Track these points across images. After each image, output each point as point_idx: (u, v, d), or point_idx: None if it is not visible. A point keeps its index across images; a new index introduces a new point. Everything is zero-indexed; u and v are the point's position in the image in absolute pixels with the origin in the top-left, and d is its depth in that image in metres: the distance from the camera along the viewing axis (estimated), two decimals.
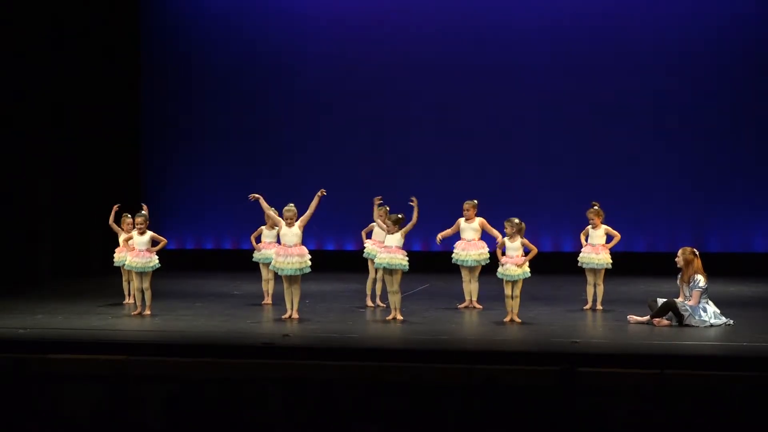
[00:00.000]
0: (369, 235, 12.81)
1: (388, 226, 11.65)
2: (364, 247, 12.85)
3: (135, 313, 12.02)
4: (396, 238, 11.54)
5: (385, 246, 11.58)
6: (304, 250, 11.70)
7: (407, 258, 11.53)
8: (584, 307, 12.39)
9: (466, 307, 12.50)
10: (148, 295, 12.00)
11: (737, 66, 16.57)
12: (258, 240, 12.93)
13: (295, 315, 11.69)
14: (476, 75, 17.11)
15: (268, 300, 12.96)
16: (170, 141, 17.86)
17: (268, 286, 12.95)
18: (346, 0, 17.58)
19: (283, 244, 11.73)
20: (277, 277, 12.26)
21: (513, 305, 11.38)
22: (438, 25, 17.24)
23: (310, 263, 11.72)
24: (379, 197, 12.33)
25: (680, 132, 16.71)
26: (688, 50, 16.65)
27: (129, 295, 12.86)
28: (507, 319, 11.42)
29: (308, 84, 17.51)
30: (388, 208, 12.54)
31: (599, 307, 12.28)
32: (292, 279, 11.73)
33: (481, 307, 12.42)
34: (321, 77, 17.46)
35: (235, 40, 17.64)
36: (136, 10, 17.74)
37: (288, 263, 11.61)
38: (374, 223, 12.70)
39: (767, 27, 16.54)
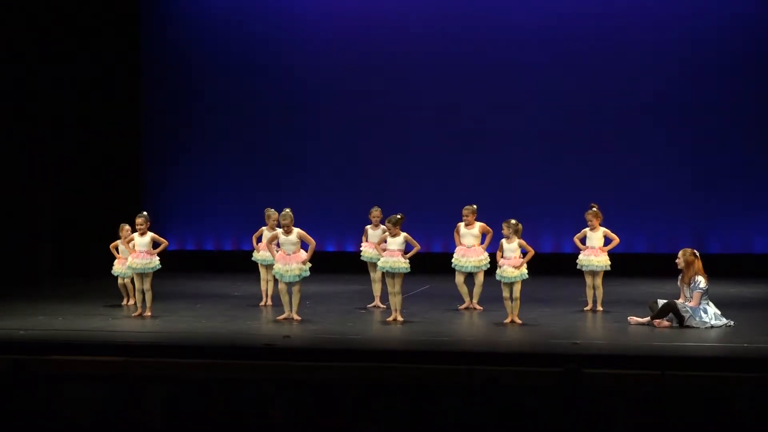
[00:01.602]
0: (367, 239, 12.89)
1: (388, 229, 11.65)
2: (361, 250, 12.90)
3: (136, 314, 12.02)
4: (398, 241, 11.54)
5: (387, 249, 11.59)
6: (304, 255, 11.67)
7: (408, 261, 11.55)
8: (585, 309, 12.39)
9: (466, 308, 12.50)
10: (148, 296, 12.00)
11: (737, 66, 16.56)
12: (259, 240, 12.92)
13: (296, 316, 11.69)
14: (477, 75, 17.09)
15: (267, 301, 12.96)
16: (170, 141, 17.84)
17: (267, 287, 12.95)
18: (347, 1, 17.58)
19: (282, 251, 11.71)
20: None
21: (514, 307, 11.38)
22: (438, 25, 17.21)
23: (309, 266, 11.70)
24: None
25: (680, 132, 16.69)
26: (688, 50, 16.63)
27: (127, 296, 12.86)
28: (507, 320, 11.42)
29: (308, 84, 17.50)
30: (380, 209, 12.60)
31: (599, 308, 12.27)
32: (292, 282, 11.74)
33: (481, 308, 12.41)
34: (321, 78, 17.44)
35: (236, 40, 17.62)
36: (136, 11, 17.73)
37: (287, 270, 11.60)
38: (368, 226, 12.75)
39: (767, 27, 16.53)
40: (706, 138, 16.64)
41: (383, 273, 11.78)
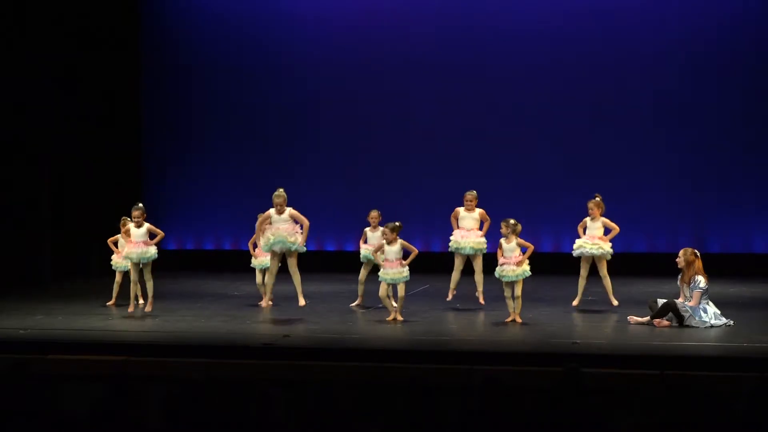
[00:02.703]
0: (365, 241, 12.90)
1: (385, 234, 11.64)
2: (360, 252, 12.89)
3: (131, 308, 12.03)
4: (395, 250, 11.55)
5: (385, 259, 11.58)
6: (294, 228, 11.67)
7: (407, 268, 11.56)
8: (573, 303, 12.40)
9: (453, 294, 12.59)
10: (149, 285, 12.02)
11: (738, 66, 16.56)
12: (255, 246, 12.91)
13: (302, 301, 11.71)
14: (476, 76, 17.10)
15: (267, 300, 12.96)
16: (170, 141, 17.86)
17: (264, 289, 12.95)
18: (347, 2, 17.57)
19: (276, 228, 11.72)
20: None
21: (515, 305, 11.38)
22: (437, 26, 17.21)
23: (299, 241, 11.63)
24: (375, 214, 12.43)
25: (681, 132, 16.70)
26: (689, 50, 16.63)
27: (114, 298, 12.87)
28: (509, 319, 11.43)
29: (308, 85, 17.51)
30: (378, 211, 12.60)
31: (614, 302, 12.30)
32: (290, 261, 11.73)
33: (483, 302, 12.37)
34: (321, 78, 17.45)
35: (236, 40, 17.63)
36: (137, 10, 17.73)
37: (278, 241, 11.60)
38: (367, 228, 12.75)
39: (767, 27, 16.53)
40: (706, 138, 16.64)
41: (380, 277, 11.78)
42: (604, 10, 16.88)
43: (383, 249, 11.61)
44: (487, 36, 17.08)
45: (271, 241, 11.63)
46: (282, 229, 11.62)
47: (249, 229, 13.40)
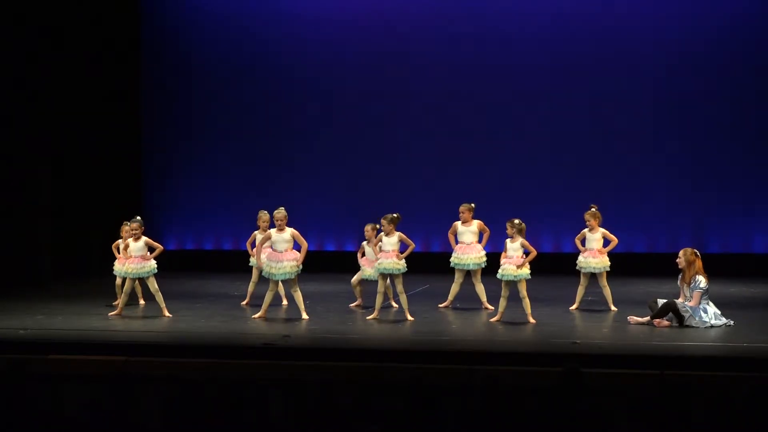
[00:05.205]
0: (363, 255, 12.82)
1: (383, 226, 11.68)
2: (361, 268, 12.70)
3: (113, 314, 12.00)
4: (392, 241, 11.57)
5: (382, 250, 11.60)
6: (296, 254, 11.70)
7: (403, 260, 11.58)
8: (570, 308, 12.40)
9: (446, 306, 12.54)
10: (158, 297, 12.05)
11: (737, 66, 16.56)
12: (253, 245, 12.90)
13: (305, 315, 11.72)
14: (476, 76, 17.09)
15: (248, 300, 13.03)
16: (170, 141, 17.86)
17: (255, 289, 12.98)
18: (347, 2, 17.57)
19: (274, 250, 11.73)
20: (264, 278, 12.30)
21: (524, 306, 11.38)
22: (437, 26, 17.21)
23: (300, 267, 11.71)
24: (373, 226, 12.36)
25: (680, 132, 16.70)
26: (688, 50, 16.64)
27: (121, 308, 12.86)
28: (495, 318, 11.46)
29: (309, 85, 17.50)
30: (378, 226, 12.51)
31: (613, 308, 12.29)
32: (289, 282, 11.78)
33: (491, 308, 12.33)
34: (322, 78, 17.45)
35: (236, 40, 17.63)
36: (137, 10, 17.73)
37: (278, 269, 11.63)
38: (364, 242, 12.58)
39: (767, 27, 16.53)
40: (706, 138, 16.65)
41: (381, 274, 11.77)
42: (604, 10, 16.87)
43: (381, 241, 11.64)
44: (487, 36, 17.07)
45: (276, 277, 11.71)
46: (283, 257, 11.64)
47: (248, 229, 13.41)
